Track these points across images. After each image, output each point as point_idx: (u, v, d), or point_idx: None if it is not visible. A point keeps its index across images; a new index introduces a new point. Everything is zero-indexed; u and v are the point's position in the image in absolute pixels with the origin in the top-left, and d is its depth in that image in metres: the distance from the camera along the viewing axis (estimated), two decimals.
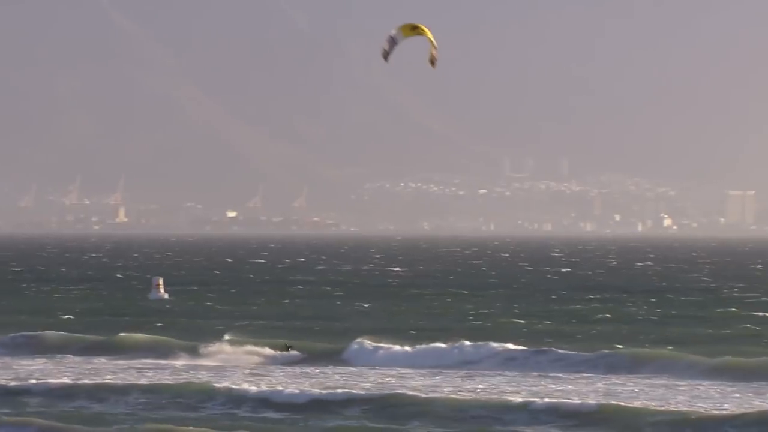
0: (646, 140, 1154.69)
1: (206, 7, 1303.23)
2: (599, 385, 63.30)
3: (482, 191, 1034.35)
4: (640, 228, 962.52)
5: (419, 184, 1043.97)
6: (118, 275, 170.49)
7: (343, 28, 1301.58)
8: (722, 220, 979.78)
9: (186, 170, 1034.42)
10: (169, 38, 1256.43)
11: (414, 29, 55.09)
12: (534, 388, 61.35)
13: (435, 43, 55.97)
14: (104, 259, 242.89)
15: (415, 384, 62.48)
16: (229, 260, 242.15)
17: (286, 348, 73.69)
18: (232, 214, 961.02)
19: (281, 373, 66.67)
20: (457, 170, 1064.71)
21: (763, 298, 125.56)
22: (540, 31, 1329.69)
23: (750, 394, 60.30)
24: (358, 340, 74.84)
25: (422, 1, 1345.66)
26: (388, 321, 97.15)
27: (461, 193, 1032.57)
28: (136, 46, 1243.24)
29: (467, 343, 73.89)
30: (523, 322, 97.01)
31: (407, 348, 74.29)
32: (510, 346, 73.24)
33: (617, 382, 64.34)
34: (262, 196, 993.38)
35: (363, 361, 72.34)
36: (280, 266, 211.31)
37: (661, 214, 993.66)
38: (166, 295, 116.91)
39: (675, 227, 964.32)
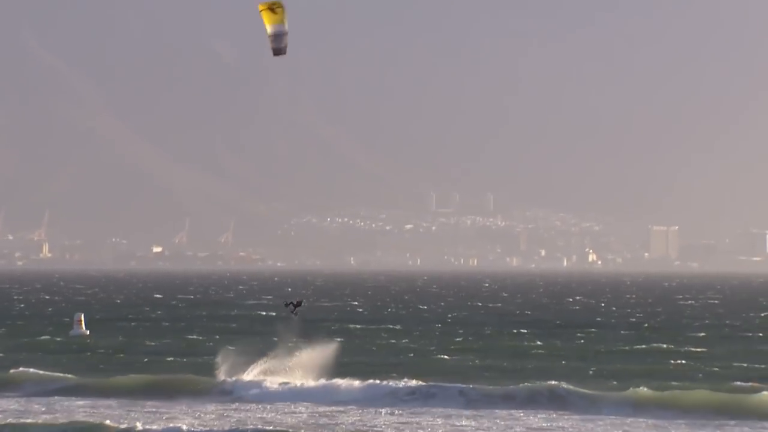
0: (572, 176, 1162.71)
1: (131, 41, 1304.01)
2: (502, 422, 63.20)
3: (408, 226, 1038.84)
4: (565, 263, 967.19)
5: (346, 219, 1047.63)
6: (49, 309, 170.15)
7: (270, 64, 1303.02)
8: (646, 255, 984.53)
9: (111, 205, 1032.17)
10: (92, 72, 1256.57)
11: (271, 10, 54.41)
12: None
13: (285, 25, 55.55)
14: (31, 295, 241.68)
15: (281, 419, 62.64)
16: (157, 296, 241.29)
17: (295, 306, 72.72)
18: (157, 249, 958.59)
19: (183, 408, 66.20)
20: (383, 205, 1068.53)
21: (694, 333, 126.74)
22: (468, 69, 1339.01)
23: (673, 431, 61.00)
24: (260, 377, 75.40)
25: (349, 43, 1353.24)
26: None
27: (388, 228, 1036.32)
28: (62, 82, 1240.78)
29: (356, 382, 73.68)
30: (446, 357, 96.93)
31: (309, 383, 74.51)
32: (413, 382, 73.30)
33: (531, 418, 64.09)
34: (188, 232, 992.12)
35: (251, 396, 72.13)
36: (205, 302, 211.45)
37: (586, 249, 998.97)
38: (87, 331, 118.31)
39: (600, 262, 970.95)
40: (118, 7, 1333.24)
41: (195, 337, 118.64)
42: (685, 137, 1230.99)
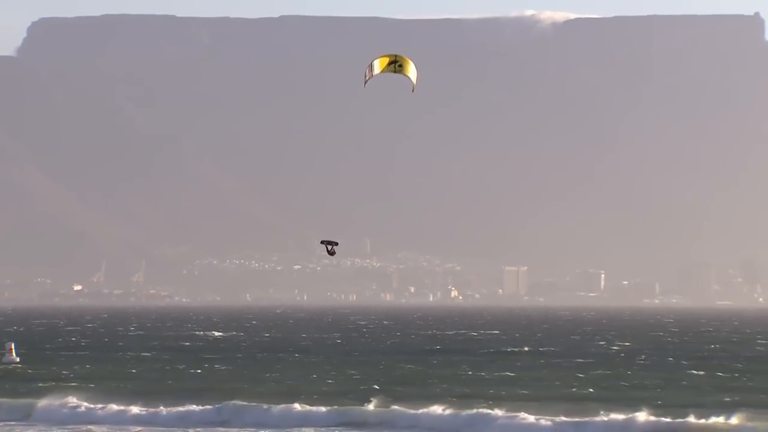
0: (438, 224, 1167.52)
1: (48, 98, 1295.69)
2: None
3: (297, 267, 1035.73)
4: (431, 298, 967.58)
5: (242, 261, 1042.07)
6: None
7: (179, 126, 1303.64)
8: (500, 291, 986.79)
9: (36, 249, 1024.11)
10: (11, 124, 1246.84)
11: (392, 63, 50.55)
12: None
13: (413, 76, 51.55)
14: None
15: None
16: (78, 327, 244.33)
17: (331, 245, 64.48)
18: (78, 287, 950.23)
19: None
20: (275, 249, 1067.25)
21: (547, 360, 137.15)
22: (353, 127, 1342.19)
23: None
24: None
25: (247, 103, 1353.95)
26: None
27: (279, 268, 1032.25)
28: None
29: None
30: (328, 381, 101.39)
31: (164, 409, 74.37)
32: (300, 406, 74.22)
33: None
34: (104, 272, 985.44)
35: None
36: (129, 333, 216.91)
37: (449, 287, 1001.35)
38: (18, 359, 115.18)
39: (461, 298, 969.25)
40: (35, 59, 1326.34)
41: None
42: (534, 192, 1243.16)
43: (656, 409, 76.81)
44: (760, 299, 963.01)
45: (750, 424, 69.30)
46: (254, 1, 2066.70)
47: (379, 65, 50.61)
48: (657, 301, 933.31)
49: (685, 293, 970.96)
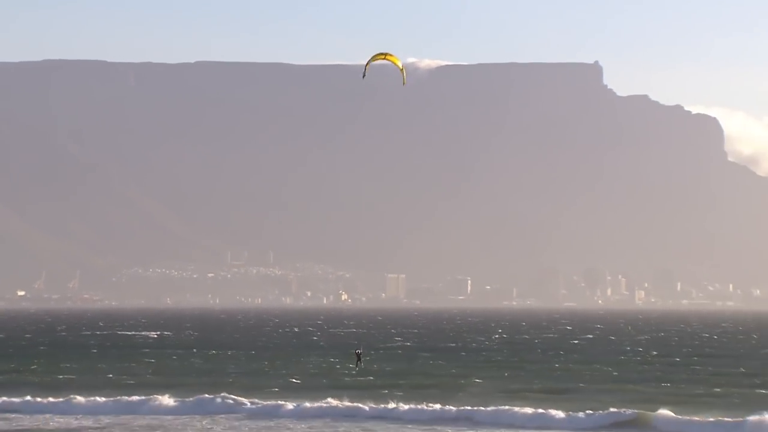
0: (330, 237, 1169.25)
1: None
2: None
3: (210, 275, 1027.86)
4: (325, 301, 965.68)
5: (163, 270, 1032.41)
6: None
7: (107, 154, 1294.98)
8: (383, 295, 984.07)
9: None
10: None
11: (383, 56, 48.33)
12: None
13: (402, 69, 49.26)
14: None
15: None
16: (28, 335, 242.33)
17: (358, 357, 65.28)
18: (21, 293, 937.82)
19: None
20: (192, 259, 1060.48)
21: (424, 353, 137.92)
22: (257, 154, 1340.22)
23: None
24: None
25: (165, 135, 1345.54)
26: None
27: (195, 276, 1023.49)
28: None
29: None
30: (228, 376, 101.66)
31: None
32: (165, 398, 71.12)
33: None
34: (44, 279, 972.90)
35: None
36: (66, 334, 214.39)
37: (340, 291, 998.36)
38: None
39: (350, 301, 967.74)
40: None
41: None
42: (411, 209, 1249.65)
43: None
44: (600, 301, 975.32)
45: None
46: (174, 47, 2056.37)
47: (371, 58, 49.45)
48: (514, 303, 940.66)
49: (537, 296, 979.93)
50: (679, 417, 62.34)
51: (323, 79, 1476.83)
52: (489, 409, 68.04)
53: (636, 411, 64.18)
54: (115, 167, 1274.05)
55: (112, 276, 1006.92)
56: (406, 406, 69.61)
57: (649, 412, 63.86)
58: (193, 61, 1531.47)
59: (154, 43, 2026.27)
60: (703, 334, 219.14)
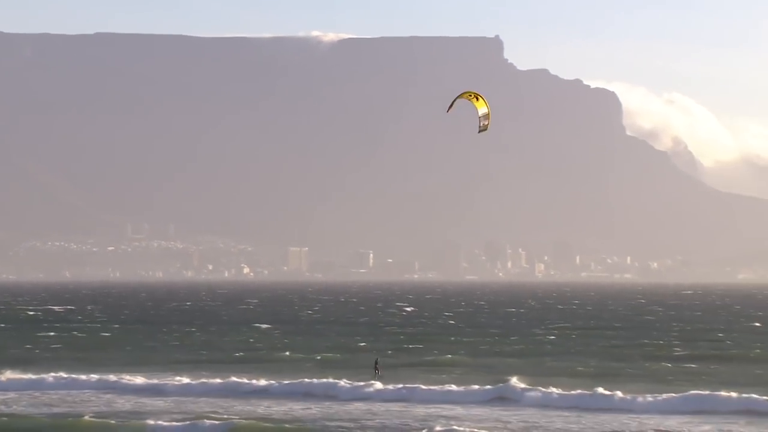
0: (232, 210, 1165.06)
1: None
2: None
3: (110, 248, 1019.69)
4: (226, 274, 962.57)
5: (62, 243, 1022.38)
6: None
7: (4, 126, 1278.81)
8: (285, 268, 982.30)
9: None
10: None
11: (470, 97, 47.46)
12: None
13: (487, 115, 47.96)
14: None
15: None
16: None
17: (376, 365, 65.65)
18: None
19: None
20: (91, 233, 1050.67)
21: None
22: (159, 127, 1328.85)
23: None
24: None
25: (64, 107, 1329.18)
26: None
27: (95, 249, 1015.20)
28: None
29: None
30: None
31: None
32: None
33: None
34: None
35: None
36: None
37: (242, 265, 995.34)
38: None
39: (252, 274, 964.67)
40: None
41: None
42: (314, 183, 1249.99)
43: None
44: (500, 274, 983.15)
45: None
46: (72, 18, 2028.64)
47: (459, 96, 47.87)
48: (416, 276, 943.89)
49: (439, 270, 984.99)
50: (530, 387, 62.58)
51: (225, 52, 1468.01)
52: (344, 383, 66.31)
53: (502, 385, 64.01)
54: (12, 139, 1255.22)
55: (8, 250, 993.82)
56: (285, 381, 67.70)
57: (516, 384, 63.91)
58: (92, 32, 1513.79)
59: (52, 14, 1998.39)
60: (587, 307, 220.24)
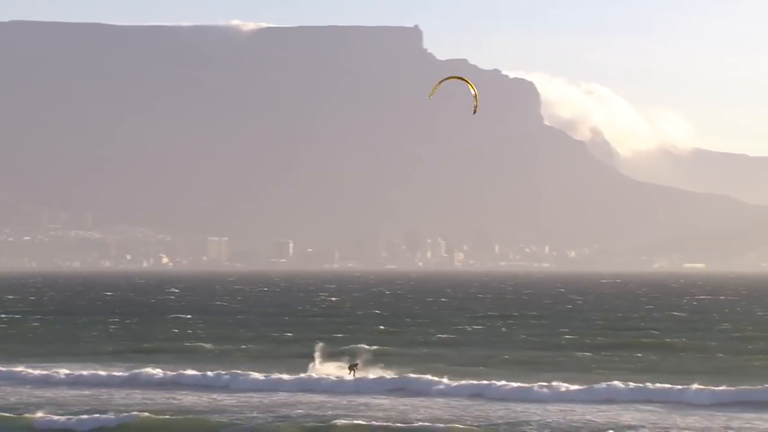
0: (150, 199, 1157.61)
1: None
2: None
3: (26, 238, 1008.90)
4: (145, 264, 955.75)
5: None
6: None
7: None
8: (204, 258, 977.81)
9: None
10: None
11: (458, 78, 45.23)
12: None
13: (476, 95, 46.42)
14: None
15: None
16: None
17: (352, 367, 64.07)
18: None
19: None
20: (6, 222, 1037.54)
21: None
22: (75, 116, 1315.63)
23: None
24: None
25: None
26: None
27: (10, 239, 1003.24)
28: None
29: None
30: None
31: None
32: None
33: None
34: None
35: None
36: None
37: (161, 255, 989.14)
38: None
39: (171, 264, 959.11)
40: None
41: None
42: (234, 172, 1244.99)
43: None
44: (420, 263, 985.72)
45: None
46: None
47: (444, 79, 46.68)
48: (335, 266, 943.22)
49: (359, 259, 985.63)
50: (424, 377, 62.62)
51: (144, 41, 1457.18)
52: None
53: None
54: None
55: None
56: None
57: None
58: (7, 20, 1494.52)
59: None
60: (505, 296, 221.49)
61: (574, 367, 72.56)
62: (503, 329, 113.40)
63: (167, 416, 51.13)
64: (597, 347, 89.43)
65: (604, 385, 58.67)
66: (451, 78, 47.94)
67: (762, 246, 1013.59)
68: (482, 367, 70.64)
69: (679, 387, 57.47)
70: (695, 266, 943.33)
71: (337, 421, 49.18)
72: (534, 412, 53.02)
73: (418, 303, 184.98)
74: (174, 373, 65.36)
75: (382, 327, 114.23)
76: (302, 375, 64.03)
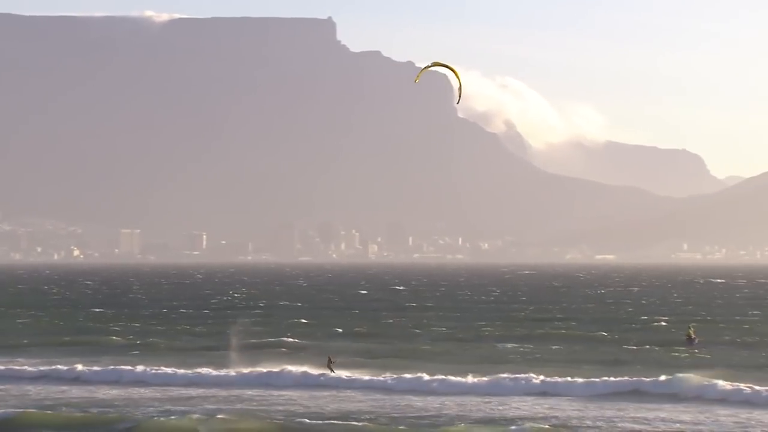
0: (62, 191, 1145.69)
1: None
2: None
3: None
4: (56, 257, 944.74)
5: None
6: None
7: None
8: (116, 250, 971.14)
9: None
10: None
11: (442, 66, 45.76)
12: None
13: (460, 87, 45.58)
14: None
15: None
16: None
17: (330, 364, 62.90)
18: None
19: None
20: None
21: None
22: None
23: None
24: None
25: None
26: None
27: None
28: None
29: None
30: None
31: None
32: None
33: None
34: None
35: None
36: None
37: (72, 247, 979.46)
38: None
39: (82, 257, 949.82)
40: None
41: None
42: (148, 164, 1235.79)
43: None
44: (334, 255, 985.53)
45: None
46: None
47: (429, 65, 45.17)
48: (250, 258, 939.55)
49: (273, 251, 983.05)
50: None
51: (56, 31, 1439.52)
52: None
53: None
54: None
55: None
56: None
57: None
58: None
59: None
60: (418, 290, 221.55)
61: (485, 360, 72.52)
62: (424, 320, 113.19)
63: (50, 412, 50.20)
64: (519, 338, 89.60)
65: (504, 376, 59.21)
66: (438, 65, 45.97)
67: (671, 237, 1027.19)
68: (398, 359, 70.40)
69: (560, 379, 58.21)
70: (606, 257, 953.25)
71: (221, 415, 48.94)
72: (430, 404, 53.36)
73: (337, 295, 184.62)
74: (81, 368, 64.74)
75: (303, 321, 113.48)
76: (190, 372, 63.21)
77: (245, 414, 49.46)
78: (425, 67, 45.77)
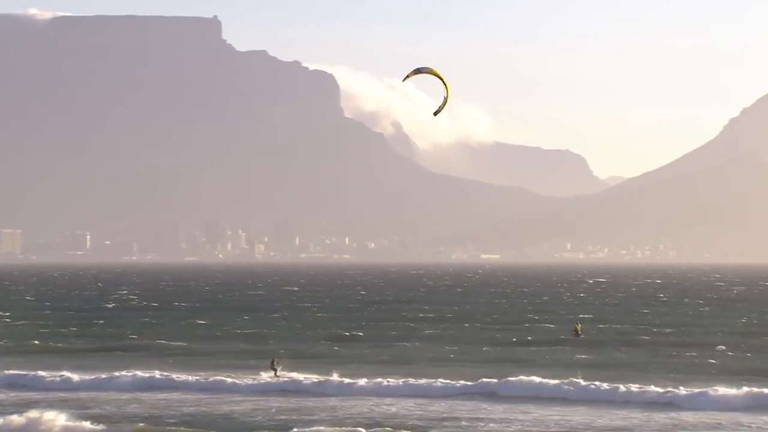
0: None
1: None
2: None
3: None
4: None
5: None
6: None
7: None
8: None
9: None
10: None
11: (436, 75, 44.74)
12: None
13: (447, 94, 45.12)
14: None
15: None
16: None
17: (274, 366, 62.07)
18: None
19: None
20: None
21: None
22: None
23: None
24: None
25: None
26: None
27: None
28: None
29: None
30: None
31: None
32: None
33: None
34: None
35: None
36: None
37: None
38: None
39: None
40: None
41: None
42: (30, 163, 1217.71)
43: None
44: (220, 255, 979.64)
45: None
46: None
47: (414, 72, 44.72)
48: (134, 258, 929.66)
49: (158, 251, 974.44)
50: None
51: None
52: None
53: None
54: None
55: None
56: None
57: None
58: None
59: None
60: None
61: (372, 360, 72.31)
62: (310, 319, 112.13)
63: None
64: (422, 339, 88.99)
65: (381, 380, 58.94)
66: (427, 72, 45.34)
67: (554, 236, 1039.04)
68: (293, 360, 69.14)
69: (423, 381, 58.63)
70: (491, 257, 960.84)
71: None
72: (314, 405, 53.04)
73: (228, 294, 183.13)
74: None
75: (184, 322, 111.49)
76: (130, 373, 62.36)
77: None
78: (415, 71, 45.19)
